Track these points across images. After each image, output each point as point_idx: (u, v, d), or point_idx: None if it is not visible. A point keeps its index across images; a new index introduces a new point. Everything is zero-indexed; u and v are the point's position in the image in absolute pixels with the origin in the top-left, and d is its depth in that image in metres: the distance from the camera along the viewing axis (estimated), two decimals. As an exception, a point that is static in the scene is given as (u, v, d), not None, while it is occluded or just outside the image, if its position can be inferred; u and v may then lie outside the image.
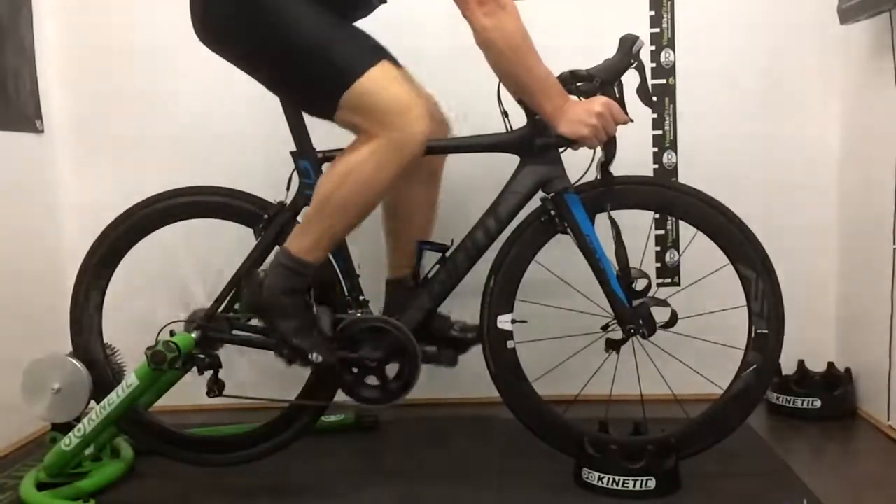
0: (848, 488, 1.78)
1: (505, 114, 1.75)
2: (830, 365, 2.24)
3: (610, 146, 1.71)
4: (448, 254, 1.79)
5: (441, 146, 1.85)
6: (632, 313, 1.74)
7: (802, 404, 2.18)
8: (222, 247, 1.91)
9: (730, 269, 1.78)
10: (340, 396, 1.81)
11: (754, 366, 1.75)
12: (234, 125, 2.34)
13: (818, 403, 2.17)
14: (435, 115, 1.83)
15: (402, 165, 1.61)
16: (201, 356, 1.75)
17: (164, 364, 1.69)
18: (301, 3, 1.60)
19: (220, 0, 1.64)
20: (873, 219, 2.08)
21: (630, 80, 1.73)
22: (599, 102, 1.65)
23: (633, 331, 1.74)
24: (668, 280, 2.34)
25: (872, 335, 2.08)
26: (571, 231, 1.75)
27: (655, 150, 2.33)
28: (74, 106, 2.40)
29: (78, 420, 1.77)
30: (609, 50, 1.74)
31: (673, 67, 2.32)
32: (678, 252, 2.34)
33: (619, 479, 1.69)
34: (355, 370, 1.75)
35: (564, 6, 2.28)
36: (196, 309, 1.83)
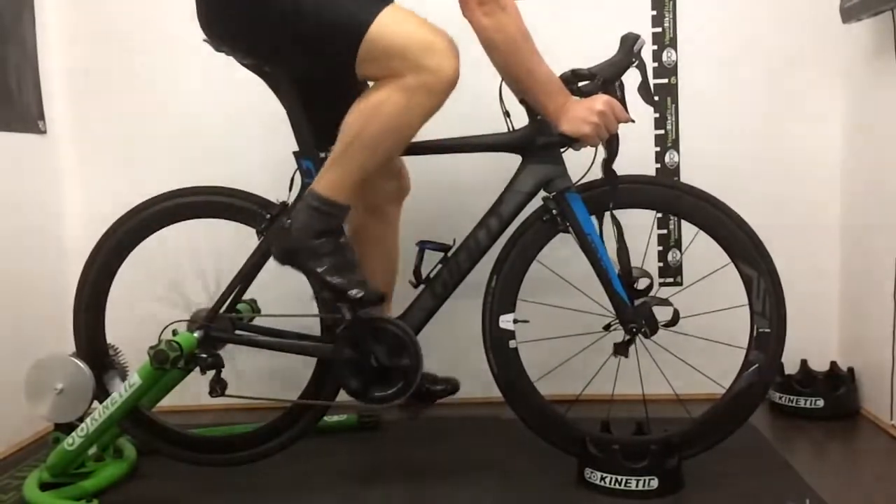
0: (851, 488, 1.78)
1: (507, 113, 1.75)
2: (833, 364, 2.24)
3: (612, 145, 1.72)
4: (450, 253, 1.79)
5: (443, 146, 1.85)
6: (633, 312, 1.74)
7: (805, 404, 2.18)
8: (224, 247, 1.91)
9: (732, 268, 1.77)
10: (342, 396, 1.81)
11: (756, 365, 1.75)
12: (236, 125, 2.34)
13: (821, 403, 2.16)
14: (396, 170, 1.85)
15: (434, 106, 1.56)
16: (204, 356, 1.75)
17: (167, 363, 1.69)
18: None
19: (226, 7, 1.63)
20: (876, 218, 2.08)
21: (632, 78, 1.73)
22: (601, 101, 1.65)
23: (634, 330, 1.74)
24: (671, 279, 2.34)
25: (875, 334, 2.07)
26: (573, 230, 1.75)
27: (658, 149, 2.33)
28: (77, 107, 2.41)
29: (81, 420, 1.78)
30: (610, 49, 1.74)
31: (675, 67, 2.31)
32: (680, 251, 2.34)
33: (621, 479, 1.69)
34: (357, 370, 1.75)
35: (566, 5, 2.28)
36: (198, 309, 1.84)
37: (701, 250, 1.88)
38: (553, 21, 2.15)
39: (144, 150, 2.39)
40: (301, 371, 1.87)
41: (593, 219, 1.77)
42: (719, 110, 2.31)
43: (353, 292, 1.63)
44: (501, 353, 1.80)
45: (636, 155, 2.22)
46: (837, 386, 2.19)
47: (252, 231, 1.82)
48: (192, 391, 2.01)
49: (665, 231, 2.34)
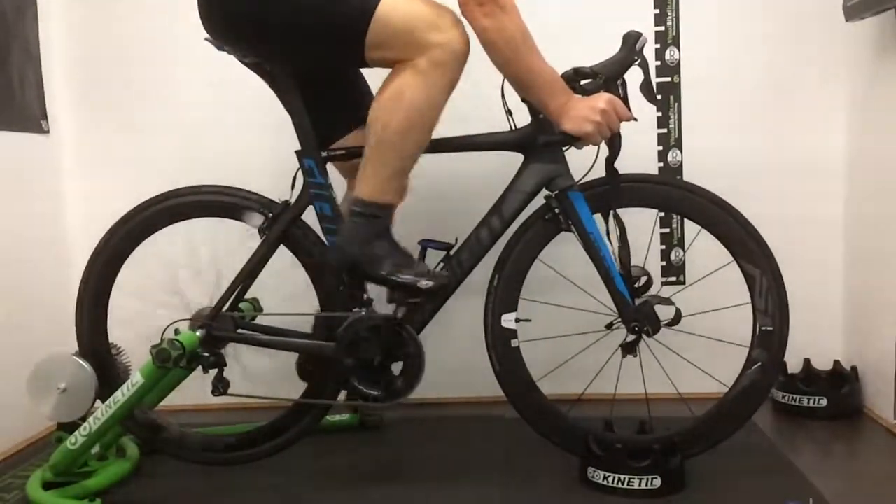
0: (854, 487, 1.77)
1: (509, 112, 1.75)
2: (836, 363, 2.24)
3: (615, 143, 1.71)
4: (452, 252, 1.78)
5: (446, 145, 1.85)
6: (635, 311, 1.74)
7: (808, 403, 2.17)
8: (226, 246, 1.91)
9: (734, 266, 1.77)
10: (345, 396, 1.81)
11: (759, 364, 1.75)
12: (238, 124, 2.34)
13: (824, 402, 2.16)
14: None
15: (452, 80, 1.58)
16: (206, 354, 1.75)
17: (169, 362, 1.69)
18: None
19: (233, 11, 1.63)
20: (880, 216, 2.07)
21: (634, 77, 1.73)
22: (603, 99, 1.65)
23: (637, 329, 1.74)
24: (673, 278, 2.34)
25: (879, 333, 2.07)
26: (575, 229, 1.75)
27: (660, 148, 2.33)
28: (79, 106, 2.41)
29: (84, 419, 1.78)
30: (613, 47, 1.74)
31: (678, 65, 2.31)
32: (683, 250, 2.34)
33: (624, 478, 1.69)
34: (359, 369, 1.75)
35: (568, 3, 2.28)
36: (201, 308, 1.84)
37: (703, 249, 1.88)
38: (555, 19, 2.15)
39: (147, 150, 2.39)
40: (304, 370, 1.87)
41: (598, 217, 1.77)
42: (722, 109, 2.31)
43: (424, 283, 1.64)
44: (504, 352, 1.80)
45: (639, 153, 2.21)
46: (841, 385, 2.18)
47: (254, 230, 1.82)
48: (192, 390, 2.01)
49: (668, 230, 2.34)
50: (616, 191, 1.75)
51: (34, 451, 2.11)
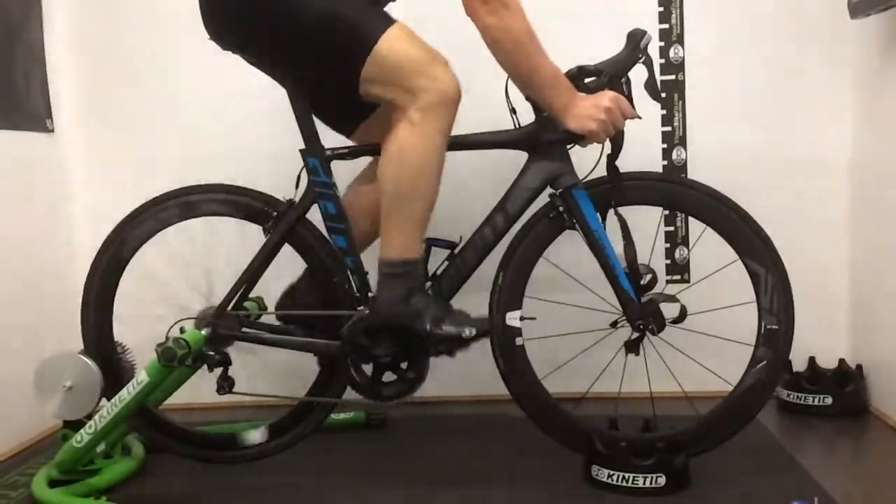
0: (859, 486, 1.77)
1: (513, 110, 1.75)
2: (842, 362, 2.23)
3: (617, 141, 1.71)
4: (456, 251, 1.78)
5: (450, 143, 1.85)
6: (640, 309, 1.74)
7: (813, 401, 2.17)
8: (231, 244, 1.92)
9: (739, 265, 1.77)
10: (350, 394, 1.81)
11: (764, 362, 1.75)
12: (243, 123, 2.35)
13: (829, 400, 2.15)
14: None
15: (448, 122, 1.61)
16: (211, 353, 1.75)
17: (175, 361, 1.69)
18: None
19: (231, 4, 1.64)
20: (886, 214, 2.07)
21: (638, 75, 1.72)
22: (607, 97, 1.65)
23: (642, 327, 1.73)
24: (678, 277, 2.33)
25: (884, 332, 2.06)
26: (580, 227, 1.75)
27: (665, 146, 2.33)
28: (84, 105, 2.41)
29: (89, 417, 1.78)
30: (617, 45, 1.73)
31: (682, 63, 2.31)
32: (688, 248, 2.33)
33: (628, 477, 1.69)
34: (364, 367, 1.75)
35: (572, 1, 2.27)
36: (206, 306, 1.84)
37: (708, 247, 1.87)
38: (559, 17, 2.14)
39: (151, 149, 2.40)
40: (308, 368, 1.87)
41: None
42: (726, 106, 2.30)
43: (466, 333, 1.66)
44: (508, 351, 1.80)
45: (643, 152, 2.21)
46: (846, 383, 2.17)
47: (254, 228, 1.82)
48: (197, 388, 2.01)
49: (672, 228, 2.33)
50: (618, 189, 1.75)
51: (40, 448, 2.11)
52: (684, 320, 1.76)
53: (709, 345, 1.92)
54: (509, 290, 1.80)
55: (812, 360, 2.23)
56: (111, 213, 1.90)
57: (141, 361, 1.86)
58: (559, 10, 2.20)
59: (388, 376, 1.76)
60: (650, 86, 1.73)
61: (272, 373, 2.20)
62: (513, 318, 1.79)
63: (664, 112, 2.31)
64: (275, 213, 1.79)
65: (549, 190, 1.77)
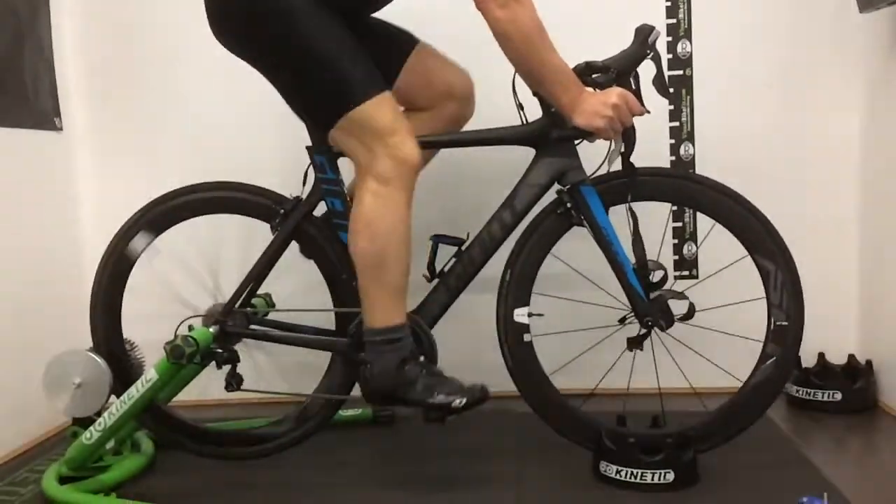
0: (869, 481, 1.77)
1: (520, 106, 1.74)
2: (851, 357, 2.22)
3: (630, 137, 1.71)
4: (464, 247, 1.78)
5: (457, 140, 1.85)
6: (649, 306, 1.73)
7: (823, 397, 2.16)
8: (236, 242, 1.92)
9: (748, 261, 1.76)
10: (357, 391, 1.81)
11: (773, 358, 1.74)
12: (250, 121, 2.35)
13: (839, 396, 2.15)
14: (464, 93, 1.85)
15: (410, 188, 1.63)
16: (219, 351, 1.76)
17: (183, 358, 1.70)
18: (312, 12, 1.59)
19: (233, 6, 1.65)
20: (895, 209, 2.06)
21: (646, 70, 1.72)
22: (615, 94, 1.64)
23: (650, 323, 1.73)
24: (686, 273, 2.32)
25: (894, 327, 2.05)
26: (588, 223, 1.75)
27: (672, 141, 2.32)
28: (93, 104, 2.42)
29: (99, 414, 1.79)
30: (625, 41, 1.73)
31: (690, 58, 2.30)
32: (696, 244, 2.33)
33: (637, 473, 1.69)
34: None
35: (580, -3, 2.27)
36: (214, 304, 1.85)
37: (717, 243, 1.87)
38: (567, 12, 2.13)
39: (159, 147, 2.40)
40: (316, 365, 1.87)
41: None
42: (735, 101, 2.29)
43: (457, 403, 1.66)
44: (516, 347, 1.80)
45: (651, 147, 2.19)
46: (855, 379, 2.17)
47: (258, 225, 1.82)
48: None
49: (680, 224, 2.33)
50: (633, 185, 1.74)
51: (50, 445, 2.12)
52: (693, 317, 1.75)
53: (718, 341, 1.92)
54: (517, 287, 1.80)
55: (822, 355, 2.22)
56: (119, 210, 1.91)
57: (150, 359, 1.87)
58: (567, 5, 2.19)
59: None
60: (658, 81, 1.72)
61: (280, 369, 2.20)
62: (521, 315, 1.79)
63: (672, 107, 2.30)
64: (282, 211, 1.79)
65: (556, 186, 1.77)
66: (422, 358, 1.72)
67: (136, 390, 1.75)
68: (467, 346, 2.11)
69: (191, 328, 1.77)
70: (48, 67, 2.29)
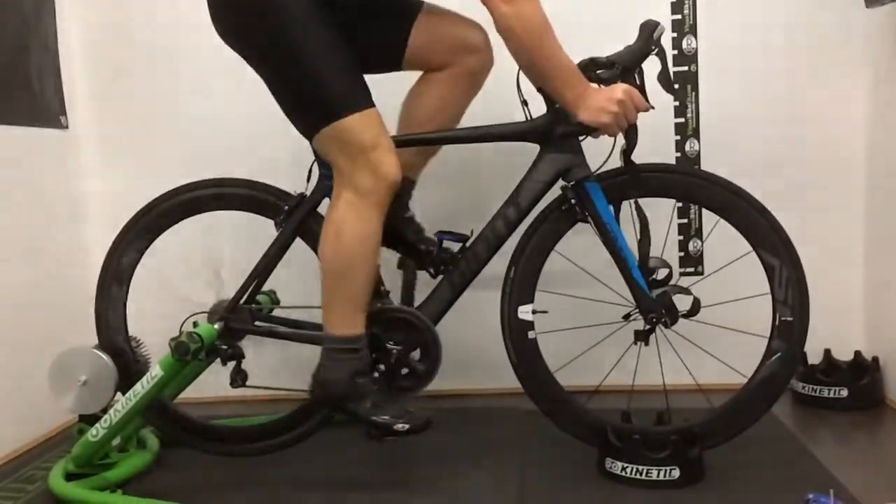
0: (875, 479, 1.76)
1: (524, 102, 1.74)
2: (857, 354, 2.21)
3: (631, 135, 1.70)
4: (468, 244, 1.78)
5: (460, 136, 1.85)
6: (654, 302, 1.73)
7: (829, 394, 2.15)
8: (241, 238, 1.92)
9: (753, 256, 1.76)
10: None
11: (779, 354, 1.73)
12: (254, 118, 2.34)
13: (845, 393, 2.14)
14: (478, 43, 1.82)
15: (384, 204, 1.63)
16: (224, 347, 1.76)
17: (188, 355, 1.70)
18: (309, 18, 1.59)
19: (229, 3, 1.65)
20: (901, 205, 2.05)
21: (651, 66, 1.71)
22: (620, 90, 1.64)
23: (655, 320, 1.73)
24: (692, 269, 2.32)
25: (900, 323, 2.05)
26: (592, 220, 1.74)
27: (678, 138, 2.31)
28: (98, 102, 2.43)
29: (104, 411, 1.80)
30: (630, 36, 1.72)
31: (695, 54, 2.29)
32: (701, 240, 2.32)
33: (642, 469, 1.68)
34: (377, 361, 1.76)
35: (585, -7, 2.26)
36: (219, 300, 1.85)
37: (722, 239, 1.86)
38: (572, 8, 2.13)
39: (164, 144, 2.41)
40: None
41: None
42: (740, 98, 2.28)
43: (399, 426, 1.68)
44: (520, 344, 1.80)
45: (656, 144, 2.20)
46: (861, 375, 2.16)
47: (262, 222, 1.82)
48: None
49: (685, 220, 2.32)
50: (635, 182, 1.74)
51: (56, 442, 2.13)
52: (698, 313, 1.75)
53: (723, 337, 1.91)
54: (521, 284, 1.80)
55: (827, 352, 2.22)
56: (124, 208, 1.91)
57: (155, 355, 1.87)
58: (572, 0, 2.19)
59: (399, 370, 1.76)
60: (663, 77, 1.71)
61: (284, 366, 2.21)
62: (525, 312, 1.79)
63: (677, 103, 2.30)
64: (286, 207, 1.79)
65: (561, 182, 1.77)
66: (376, 375, 1.73)
67: (141, 387, 1.75)
68: (471, 343, 2.11)
69: (195, 325, 1.77)
70: (54, 66, 2.30)
